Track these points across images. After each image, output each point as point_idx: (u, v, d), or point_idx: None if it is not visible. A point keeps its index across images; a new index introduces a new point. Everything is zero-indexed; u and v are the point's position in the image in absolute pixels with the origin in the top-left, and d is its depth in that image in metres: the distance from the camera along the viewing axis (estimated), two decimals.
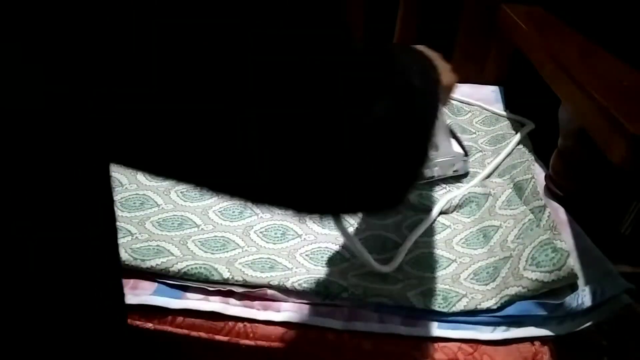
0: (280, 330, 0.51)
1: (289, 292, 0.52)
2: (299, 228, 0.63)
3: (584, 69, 0.60)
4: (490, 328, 0.51)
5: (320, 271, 0.56)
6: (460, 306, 0.52)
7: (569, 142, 0.60)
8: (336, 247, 0.61)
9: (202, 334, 0.51)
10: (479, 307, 0.52)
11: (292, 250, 0.60)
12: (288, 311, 0.52)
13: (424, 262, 0.59)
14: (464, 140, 0.76)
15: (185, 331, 0.51)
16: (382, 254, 0.60)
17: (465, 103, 0.93)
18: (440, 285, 0.55)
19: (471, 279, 0.56)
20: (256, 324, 0.51)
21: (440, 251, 0.61)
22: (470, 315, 0.51)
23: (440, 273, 0.58)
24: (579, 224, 0.59)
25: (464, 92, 0.93)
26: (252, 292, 0.53)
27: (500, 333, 0.50)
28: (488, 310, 0.51)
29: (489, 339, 0.50)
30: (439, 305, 0.52)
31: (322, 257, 0.59)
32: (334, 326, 0.51)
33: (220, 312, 0.51)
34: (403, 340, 0.50)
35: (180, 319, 0.51)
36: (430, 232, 0.64)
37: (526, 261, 0.53)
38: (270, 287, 0.53)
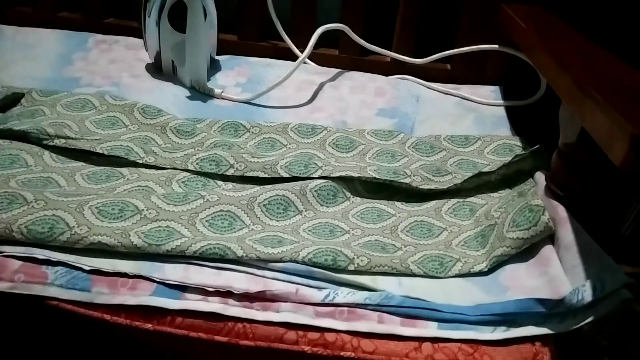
0: (279, 330, 0.51)
1: (288, 293, 0.53)
2: (301, 204, 0.66)
3: (584, 68, 0.60)
4: (490, 328, 0.50)
5: (325, 243, 0.59)
6: (455, 270, 0.56)
7: (569, 141, 0.60)
8: (335, 222, 0.65)
9: (202, 335, 0.51)
10: (472, 270, 0.56)
11: (295, 227, 0.63)
12: (287, 311, 0.52)
13: (418, 229, 0.64)
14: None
15: (184, 332, 0.51)
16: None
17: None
18: (435, 252, 0.59)
19: (462, 245, 0.60)
20: (255, 325, 0.51)
21: (431, 219, 0.66)
22: (470, 313, 0.51)
23: (433, 240, 0.62)
24: (579, 224, 0.59)
25: (463, 92, 0.93)
26: (251, 292, 0.52)
27: (500, 333, 0.50)
28: (480, 273, 0.56)
29: (489, 339, 0.50)
30: (436, 270, 0.56)
31: (323, 231, 0.63)
32: (333, 326, 0.51)
33: (219, 312, 0.51)
34: (403, 341, 0.50)
35: (179, 319, 0.51)
36: (419, 201, 0.70)
37: (509, 225, 0.58)
38: (282, 261, 0.55)
